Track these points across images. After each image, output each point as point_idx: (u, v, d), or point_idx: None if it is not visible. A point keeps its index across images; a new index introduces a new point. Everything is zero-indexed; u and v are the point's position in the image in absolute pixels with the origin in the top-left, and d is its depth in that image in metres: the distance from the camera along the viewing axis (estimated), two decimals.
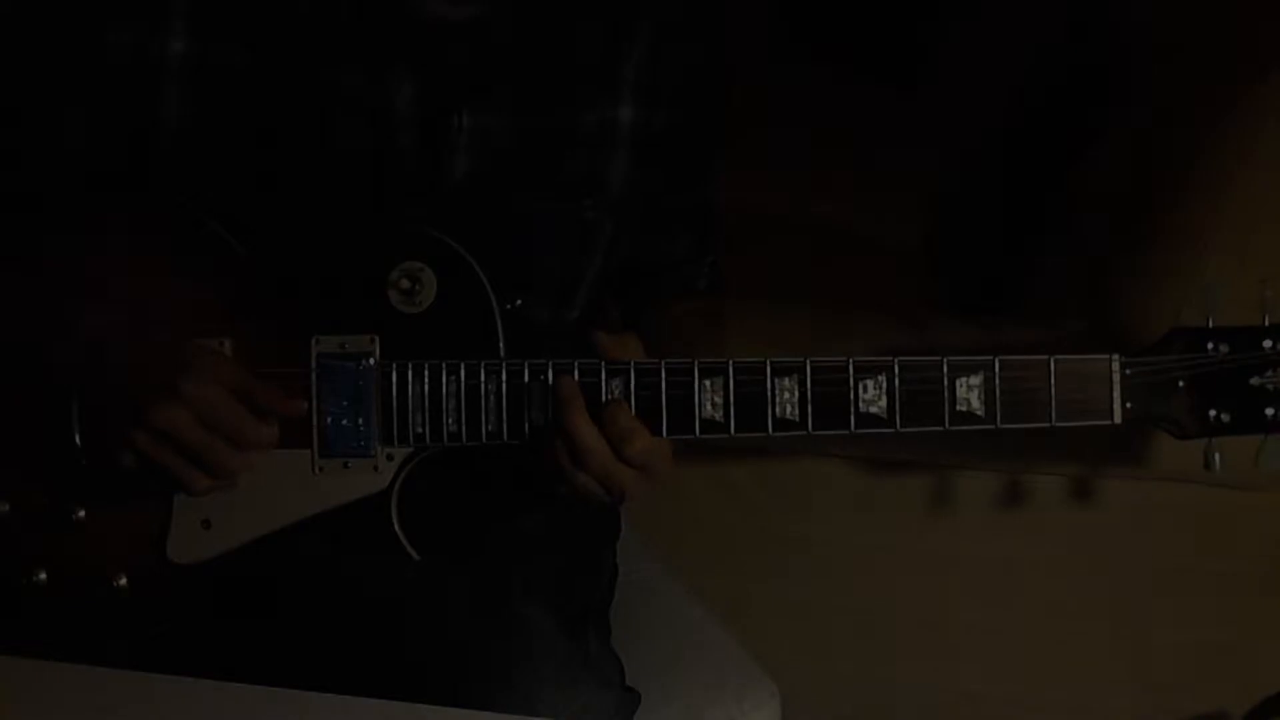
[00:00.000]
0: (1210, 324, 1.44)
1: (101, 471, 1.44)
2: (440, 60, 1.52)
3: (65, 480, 1.45)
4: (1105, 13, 2.36)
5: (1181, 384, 1.43)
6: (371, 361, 1.44)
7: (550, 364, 1.43)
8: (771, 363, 1.42)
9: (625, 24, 1.57)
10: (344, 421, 1.44)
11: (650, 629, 1.73)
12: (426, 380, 1.43)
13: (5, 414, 1.47)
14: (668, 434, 1.42)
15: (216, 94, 1.50)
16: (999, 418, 1.42)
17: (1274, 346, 1.43)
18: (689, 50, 1.60)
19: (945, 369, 1.42)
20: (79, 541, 1.46)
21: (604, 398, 1.42)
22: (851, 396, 1.42)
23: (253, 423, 1.41)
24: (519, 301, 1.47)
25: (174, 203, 1.48)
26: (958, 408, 1.42)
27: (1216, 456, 1.44)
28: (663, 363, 1.42)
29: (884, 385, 1.42)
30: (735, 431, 1.42)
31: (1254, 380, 1.43)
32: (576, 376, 1.42)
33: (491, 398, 1.43)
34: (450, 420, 1.43)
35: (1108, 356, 1.43)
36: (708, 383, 1.42)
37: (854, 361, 1.42)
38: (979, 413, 1.42)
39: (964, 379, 1.42)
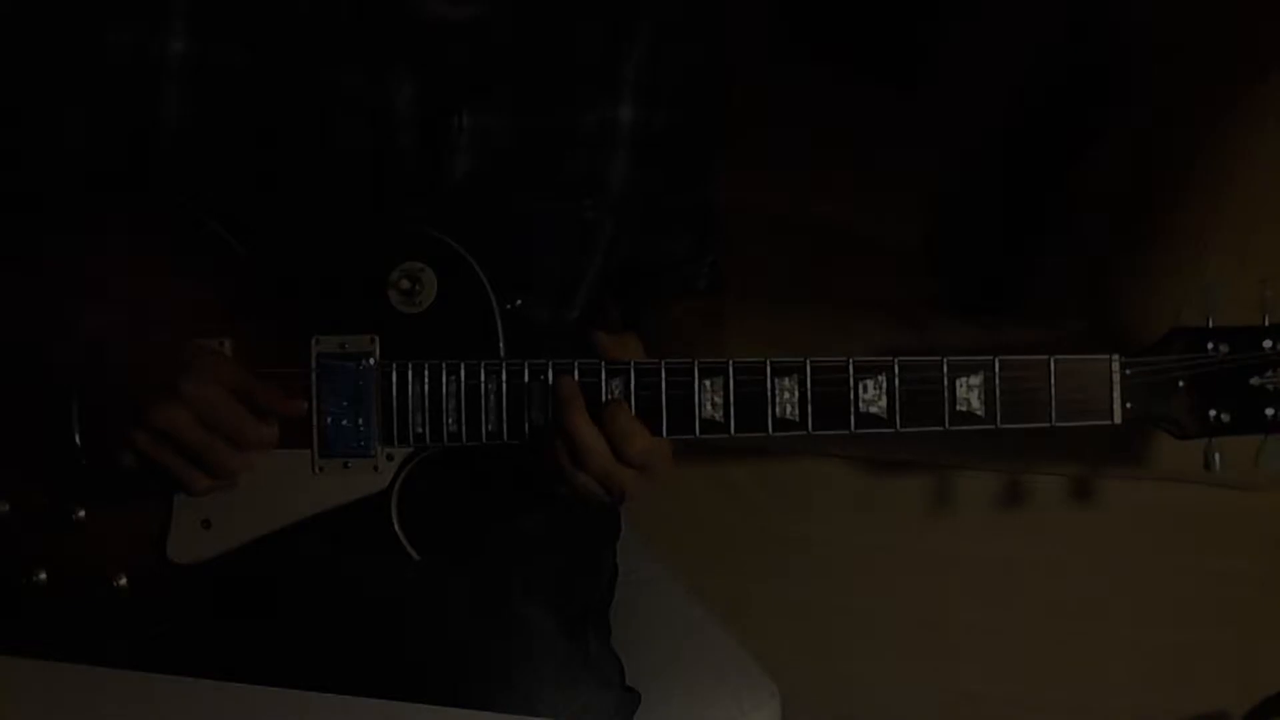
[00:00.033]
0: (1210, 324, 1.44)
1: (101, 471, 1.44)
2: (440, 60, 1.52)
3: (65, 480, 1.45)
4: (1105, 13, 2.36)
5: (1181, 384, 1.43)
6: (371, 361, 1.44)
7: (550, 364, 1.43)
8: (771, 363, 1.42)
9: (625, 24, 1.57)
10: (344, 421, 1.44)
11: (650, 629, 1.73)
12: (426, 380, 1.43)
13: (5, 414, 1.47)
14: (668, 434, 1.42)
15: (216, 94, 1.50)
16: (999, 418, 1.42)
17: (1274, 346, 1.43)
18: (689, 50, 1.60)
19: (945, 369, 1.42)
20: (79, 541, 1.46)
21: (604, 398, 1.42)
22: (851, 396, 1.42)
23: (253, 423, 1.41)
24: (519, 301, 1.47)
25: (174, 203, 1.48)
26: (958, 408, 1.42)
27: (1216, 456, 1.44)
28: (663, 363, 1.42)
29: (884, 385, 1.42)
30: (735, 431, 1.42)
31: (1254, 380, 1.43)
32: (576, 376, 1.42)
33: (491, 398, 1.43)
34: (450, 420, 1.43)
35: (1108, 356, 1.43)
36: (708, 383, 1.42)
37: (854, 361, 1.42)
38: (979, 413, 1.42)
39: (964, 379, 1.42)
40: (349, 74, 1.51)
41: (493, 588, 1.53)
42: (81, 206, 1.51)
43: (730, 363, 1.42)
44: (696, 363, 1.42)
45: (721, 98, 1.65)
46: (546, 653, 1.47)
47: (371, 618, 1.48)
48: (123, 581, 1.45)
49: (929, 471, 1.99)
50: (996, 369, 1.42)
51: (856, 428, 1.43)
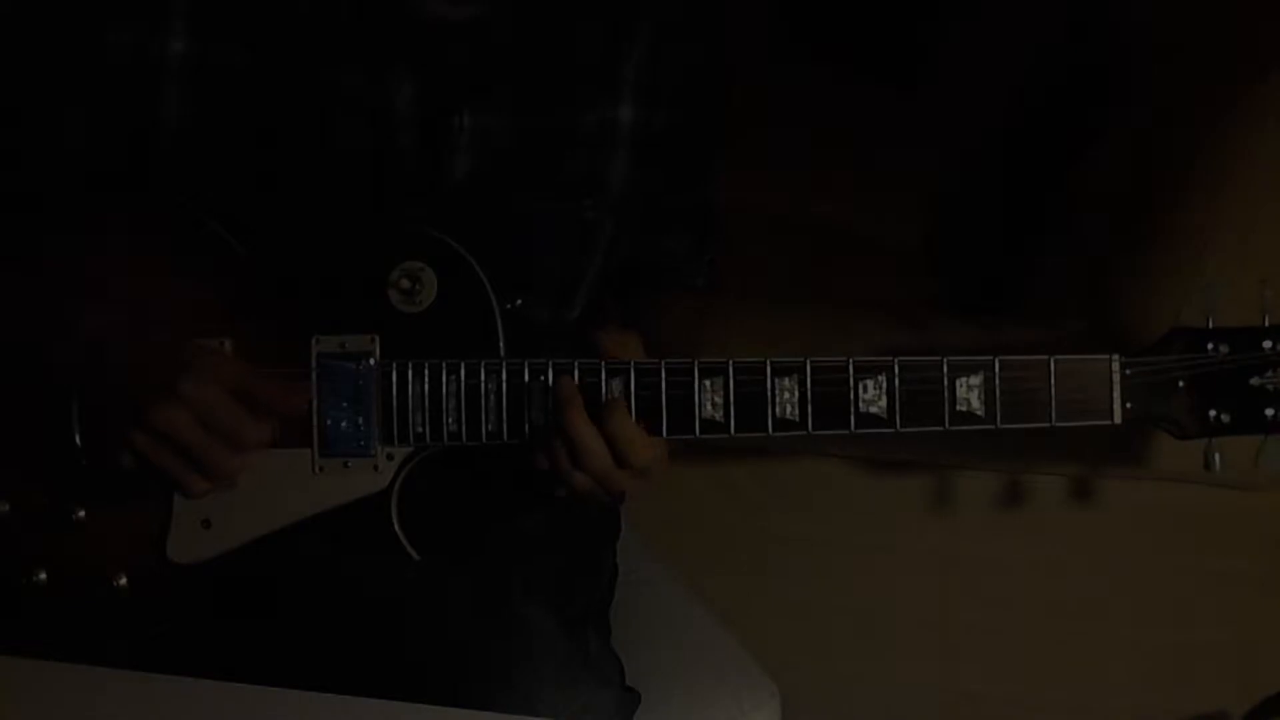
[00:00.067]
0: (1210, 324, 1.44)
1: (101, 471, 1.44)
2: (440, 60, 1.52)
3: (65, 480, 1.45)
4: (1105, 13, 2.36)
5: (1181, 384, 1.43)
6: (372, 361, 1.44)
7: (550, 364, 1.43)
8: (771, 363, 1.42)
9: (625, 24, 1.57)
10: (344, 421, 1.44)
11: (650, 629, 1.73)
12: (426, 380, 1.43)
13: (5, 414, 1.47)
14: (668, 434, 1.42)
15: (216, 94, 1.50)
16: (999, 418, 1.42)
17: (1274, 347, 1.43)
18: (689, 50, 1.60)
19: (945, 369, 1.42)
20: (79, 541, 1.46)
21: (604, 398, 1.42)
22: (851, 396, 1.42)
23: (251, 425, 1.41)
24: (519, 301, 1.47)
25: (174, 203, 1.48)
26: (958, 408, 1.42)
27: (1216, 457, 1.44)
28: (663, 363, 1.42)
29: (884, 385, 1.42)
30: (735, 431, 1.42)
31: (1254, 380, 1.43)
32: (576, 376, 1.42)
33: (491, 397, 1.43)
34: (450, 420, 1.43)
35: (1108, 356, 1.43)
36: (708, 383, 1.42)
37: (854, 361, 1.42)
38: (979, 413, 1.42)
39: (964, 379, 1.42)
40: (349, 74, 1.51)
41: (493, 588, 1.53)
42: (81, 206, 1.51)
43: (730, 363, 1.42)
44: (696, 363, 1.42)
45: (721, 98, 1.65)
46: (546, 653, 1.47)
47: (371, 618, 1.48)
48: (123, 581, 1.45)
49: (929, 471, 1.99)
50: (996, 369, 1.42)
51: (856, 428, 1.43)
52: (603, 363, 1.42)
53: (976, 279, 2.38)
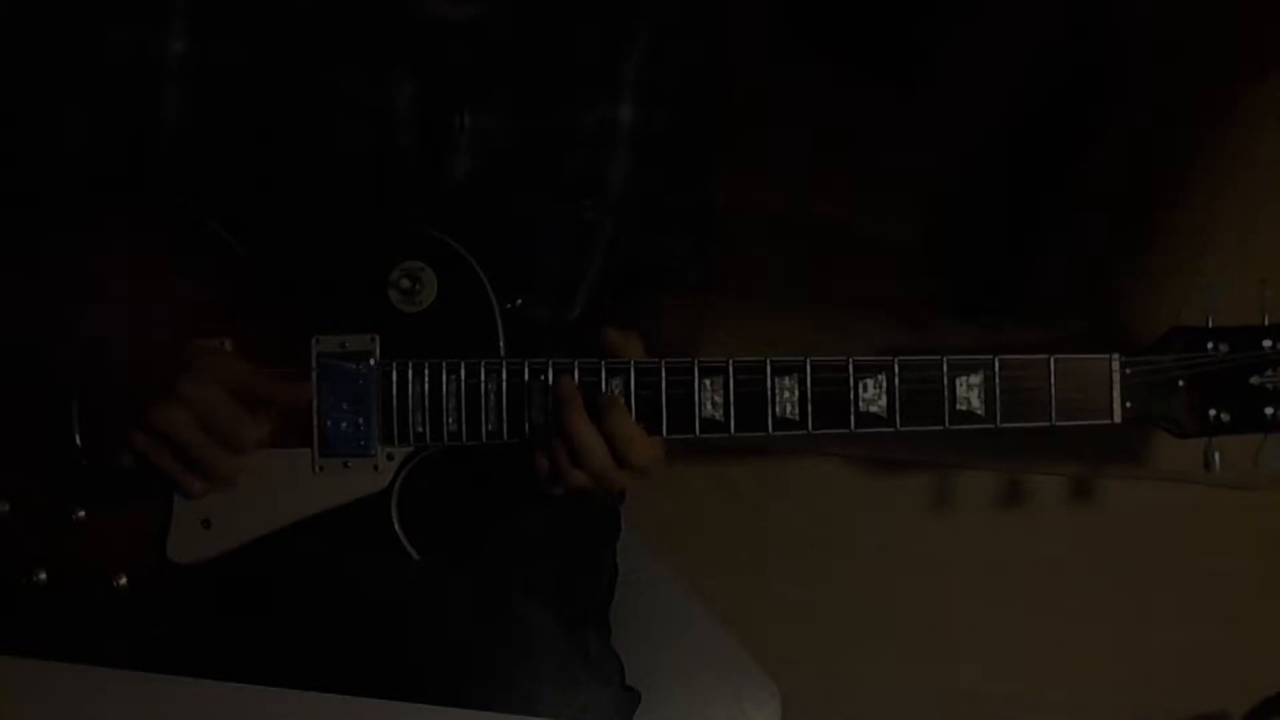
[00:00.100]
0: (1210, 323, 1.44)
1: (101, 471, 1.44)
2: (440, 60, 1.52)
3: (65, 480, 1.45)
4: (1105, 13, 2.36)
5: (1181, 383, 1.43)
6: (372, 361, 1.44)
7: (550, 364, 1.43)
8: (771, 362, 1.42)
9: (625, 24, 1.57)
10: (344, 421, 1.44)
11: (650, 629, 1.73)
12: (426, 380, 1.43)
13: (5, 414, 1.47)
14: (668, 433, 1.42)
15: (216, 94, 1.50)
16: (999, 417, 1.42)
17: (1274, 346, 1.43)
18: (689, 50, 1.60)
19: (945, 368, 1.42)
20: (79, 541, 1.46)
21: (603, 396, 1.42)
22: (851, 396, 1.42)
23: (250, 426, 1.41)
24: (519, 301, 1.47)
25: (174, 203, 1.48)
26: (958, 407, 1.42)
27: (1216, 456, 1.45)
28: (663, 362, 1.42)
29: (884, 384, 1.42)
30: (735, 431, 1.42)
31: (1254, 379, 1.43)
32: (576, 376, 1.42)
33: (491, 397, 1.43)
34: (450, 420, 1.43)
35: (1107, 356, 1.43)
36: (708, 382, 1.42)
37: (854, 361, 1.42)
38: (979, 412, 1.42)
39: (964, 378, 1.42)
40: (349, 74, 1.51)
41: (493, 588, 1.53)
42: (81, 206, 1.51)
43: (730, 362, 1.42)
44: (696, 362, 1.42)
45: (721, 98, 1.65)
46: (546, 652, 1.47)
47: (371, 618, 1.48)
48: (123, 581, 1.45)
49: (929, 471, 1.99)
50: (996, 368, 1.42)
51: (856, 427, 1.43)
52: (602, 362, 1.42)
53: (976, 279, 2.38)
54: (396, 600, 1.48)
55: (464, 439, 1.43)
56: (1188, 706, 2.09)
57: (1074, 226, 2.19)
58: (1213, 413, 1.43)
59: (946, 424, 1.43)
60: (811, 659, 2.08)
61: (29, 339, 1.45)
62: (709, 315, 1.73)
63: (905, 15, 2.72)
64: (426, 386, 1.43)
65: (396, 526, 1.44)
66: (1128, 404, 1.43)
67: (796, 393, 1.42)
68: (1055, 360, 1.42)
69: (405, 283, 1.44)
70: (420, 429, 1.43)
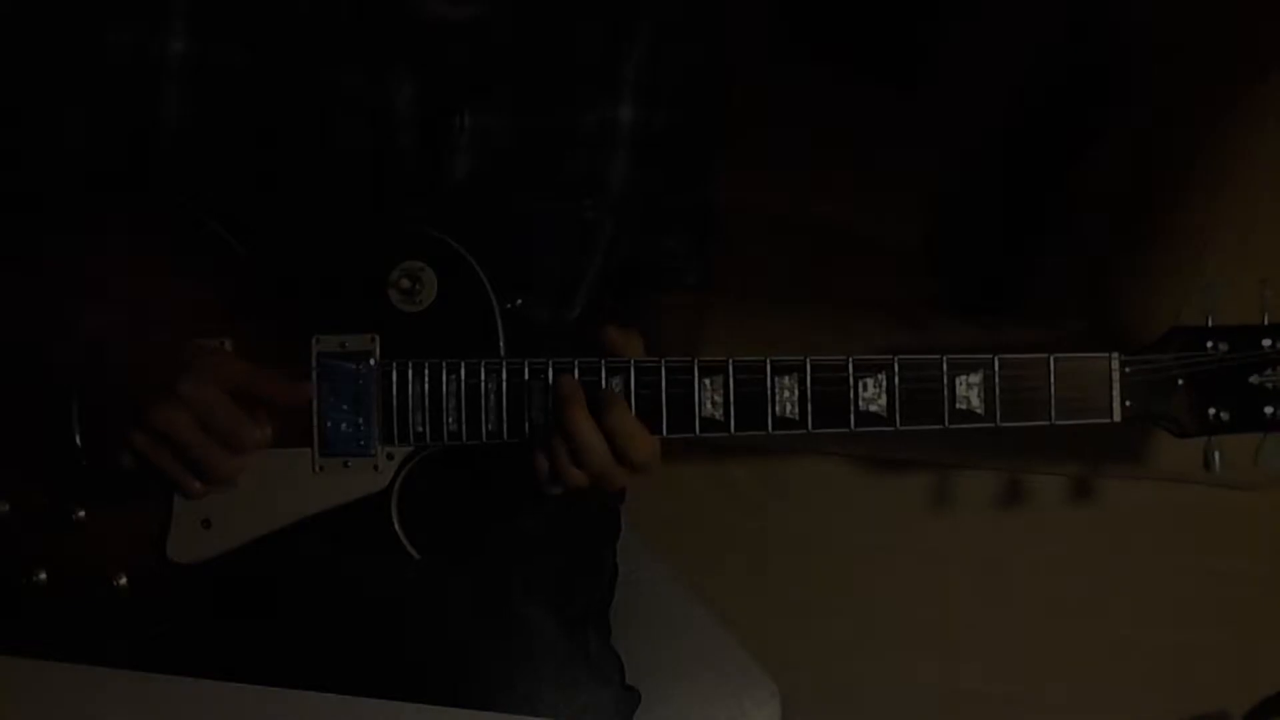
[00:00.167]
0: (1210, 323, 1.44)
1: (101, 471, 1.44)
2: (440, 60, 1.52)
3: (65, 480, 1.45)
4: (1105, 13, 2.36)
5: (1181, 382, 1.44)
6: (372, 361, 1.44)
7: (550, 363, 1.43)
8: (771, 361, 1.42)
9: (625, 24, 1.57)
10: (344, 421, 1.44)
11: (650, 629, 1.73)
12: (427, 379, 1.43)
13: (5, 414, 1.47)
14: (667, 432, 1.42)
15: (216, 94, 1.50)
16: (999, 416, 1.42)
17: (1273, 345, 1.43)
18: (689, 50, 1.60)
19: (945, 367, 1.42)
20: (79, 541, 1.46)
21: (602, 393, 1.42)
22: (851, 395, 1.42)
23: (250, 426, 1.41)
24: (519, 301, 1.47)
25: (174, 203, 1.48)
26: (957, 406, 1.42)
27: (1216, 455, 1.45)
28: (663, 361, 1.42)
29: (884, 384, 1.42)
30: (735, 430, 1.42)
31: (1253, 379, 1.43)
32: (576, 375, 1.42)
33: (491, 397, 1.43)
34: (450, 419, 1.43)
35: (1107, 355, 1.43)
36: (708, 381, 1.42)
37: (854, 360, 1.42)
38: (979, 411, 1.42)
39: (963, 377, 1.42)
40: (349, 74, 1.51)
41: (493, 588, 1.53)
42: (81, 206, 1.51)
43: (730, 361, 1.42)
44: (696, 361, 1.42)
45: (721, 98, 1.65)
46: (546, 652, 1.47)
47: (371, 618, 1.49)
48: (123, 581, 1.45)
49: (929, 470, 1.99)
50: (996, 367, 1.42)
51: (856, 426, 1.43)
52: (602, 361, 1.42)
53: (976, 279, 2.38)
54: (396, 600, 1.48)
55: (464, 439, 1.43)
56: (1188, 706, 2.09)
57: (1074, 226, 2.19)
58: (1212, 412, 1.43)
59: (946, 423, 1.43)
60: (811, 659, 2.08)
61: (29, 339, 1.45)
62: (709, 315, 1.73)
63: (905, 15, 2.71)
64: (426, 386, 1.43)
65: (396, 526, 1.44)
66: (1127, 403, 1.43)
67: (796, 392, 1.42)
68: (1055, 359, 1.42)
69: (405, 283, 1.44)
70: (420, 429, 1.43)
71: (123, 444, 1.41)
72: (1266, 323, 1.44)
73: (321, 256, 1.47)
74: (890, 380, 1.42)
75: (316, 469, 1.44)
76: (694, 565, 1.94)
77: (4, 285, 1.46)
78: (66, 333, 1.43)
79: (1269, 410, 1.43)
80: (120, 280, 1.45)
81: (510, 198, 1.55)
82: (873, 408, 1.42)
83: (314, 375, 1.44)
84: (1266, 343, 1.43)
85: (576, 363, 1.42)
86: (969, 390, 1.42)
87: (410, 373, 1.43)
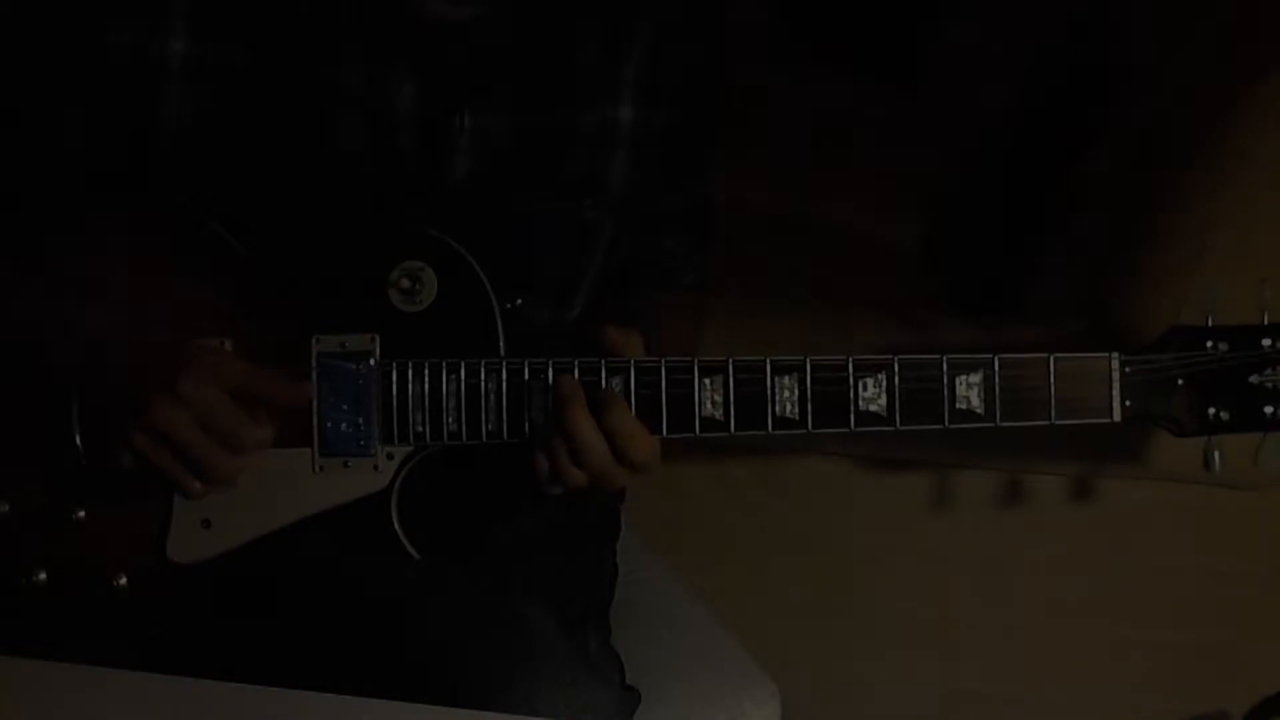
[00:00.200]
0: (1209, 322, 1.44)
1: (101, 471, 1.44)
2: (440, 60, 1.52)
3: (65, 480, 1.45)
4: (1105, 12, 2.36)
5: (1181, 382, 1.43)
6: (372, 361, 1.44)
7: (550, 363, 1.43)
8: (771, 361, 1.42)
9: (625, 24, 1.57)
10: (344, 421, 1.44)
11: (650, 629, 1.73)
12: (427, 379, 1.43)
13: (5, 414, 1.47)
14: (667, 432, 1.42)
15: (216, 94, 1.50)
16: (998, 415, 1.42)
17: (1273, 345, 1.43)
18: (689, 50, 1.60)
19: (945, 367, 1.42)
20: (79, 541, 1.46)
21: (602, 392, 1.42)
22: (851, 395, 1.42)
23: (250, 427, 1.41)
24: (519, 301, 1.47)
25: (174, 203, 1.48)
26: (957, 406, 1.42)
27: (1216, 455, 1.44)
28: (663, 361, 1.42)
29: (884, 383, 1.42)
30: (735, 430, 1.42)
31: (1253, 378, 1.43)
32: (576, 375, 1.42)
33: (491, 397, 1.43)
34: (450, 419, 1.43)
35: (1107, 354, 1.43)
36: (707, 381, 1.42)
37: (854, 360, 1.42)
38: (979, 411, 1.42)
39: (963, 377, 1.42)
40: (349, 74, 1.51)
41: (493, 588, 1.52)
42: (81, 206, 1.50)
43: (730, 361, 1.42)
44: (696, 361, 1.42)
45: (721, 98, 1.65)
46: (546, 652, 1.47)
47: (371, 618, 1.48)
48: (123, 581, 1.45)
49: (929, 470, 1.99)
50: (996, 367, 1.42)
51: (856, 426, 1.42)
52: (602, 361, 1.42)
53: (976, 279, 2.38)
54: (396, 600, 1.48)
55: (464, 439, 1.43)
56: (1188, 706, 2.09)
57: (1074, 226, 2.19)
58: (1212, 411, 1.43)
59: (946, 423, 1.43)
60: (811, 659, 2.08)
61: (29, 339, 1.44)
62: (709, 315, 1.73)
63: (905, 15, 2.72)
64: (426, 386, 1.43)
65: (396, 526, 1.44)
66: (1127, 403, 1.43)
67: (796, 392, 1.42)
68: (1055, 359, 1.42)
69: (405, 283, 1.44)
70: (420, 429, 1.43)
71: (123, 444, 1.41)
72: (1266, 322, 1.44)
73: (321, 256, 1.47)
74: (890, 380, 1.42)
75: (316, 469, 1.44)
76: (694, 565, 1.94)
77: (4, 285, 1.46)
78: (66, 333, 1.43)
79: (1269, 410, 1.43)
80: (120, 280, 1.45)
81: (510, 198, 1.55)
82: (873, 408, 1.42)
83: (314, 375, 1.44)
84: (1266, 342, 1.43)
85: (576, 363, 1.42)
86: (969, 390, 1.42)
87: (410, 373, 1.43)
